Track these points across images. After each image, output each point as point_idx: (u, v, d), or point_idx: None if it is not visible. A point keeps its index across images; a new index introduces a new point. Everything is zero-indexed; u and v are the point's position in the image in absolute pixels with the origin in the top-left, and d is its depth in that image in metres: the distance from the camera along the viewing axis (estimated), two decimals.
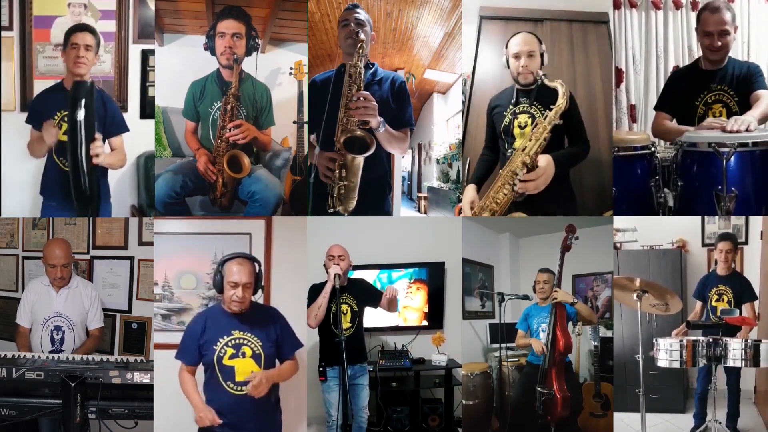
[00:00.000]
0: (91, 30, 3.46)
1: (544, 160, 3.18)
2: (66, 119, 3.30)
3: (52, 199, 3.57)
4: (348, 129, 3.19)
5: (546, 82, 3.25)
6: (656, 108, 3.81)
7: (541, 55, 3.29)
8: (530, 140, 3.19)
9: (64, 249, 3.68)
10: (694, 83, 3.62)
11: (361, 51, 3.21)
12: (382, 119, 3.24)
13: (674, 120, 3.69)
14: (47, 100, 3.49)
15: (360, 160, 3.19)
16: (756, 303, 3.92)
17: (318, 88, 3.43)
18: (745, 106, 3.51)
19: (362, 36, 3.22)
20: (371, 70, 3.35)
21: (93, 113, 3.25)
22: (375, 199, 3.41)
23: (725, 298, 3.87)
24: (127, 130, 3.62)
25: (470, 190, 3.42)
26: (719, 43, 3.50)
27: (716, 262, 3.99)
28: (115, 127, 3.56)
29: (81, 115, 3.19)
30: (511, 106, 3.36)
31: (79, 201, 3.29)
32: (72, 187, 3.27)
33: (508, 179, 3.21)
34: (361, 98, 3.19)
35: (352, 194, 3.25)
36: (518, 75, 3.31)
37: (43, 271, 3.73)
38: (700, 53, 3.71)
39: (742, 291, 3.87)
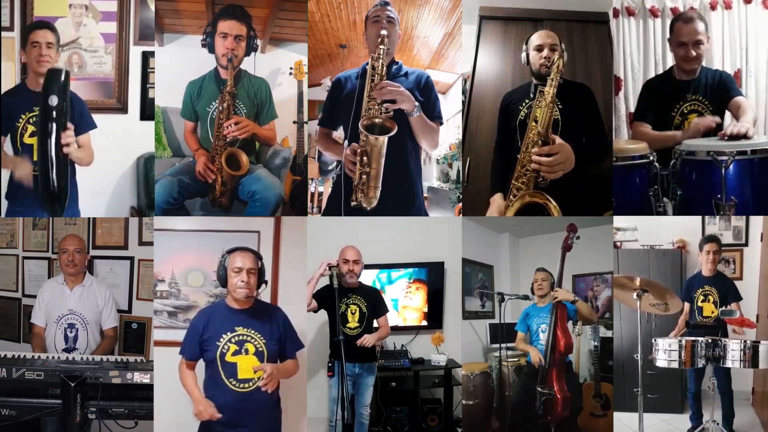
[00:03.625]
0: (50, 27, 3.38)
1: (560, 140, 3.13)
2: (32, 121, 3.25)
3: (18, 204, 3.46)
4: (370, 116, 3.16)
5: (567, 78, 3.25)
6: (636, 119, 3.83)
7: (562, 52, 3.28)
8: (539, 110, 3.16)
9: (78, 239, 3.72)
10: (669, 93, 3.66)
11: (383, 44, 3.17)
12: (417, 104, 3.20)
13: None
14: (11, 103, 3.40)
15: (382, 142, 3.13)
16: (745, 303, 3.92)
17: (342, 86, 3.38)
18: (719, 114, 3.56)
19: (384, 32, 3.18)
20: (396, 66, 3.33)
21: (67, 100, 3.13)
22: (403, 199, 3.34)
23: (711, 298, 3.88)
24: (95, 127, 3.51)
25: (498, 199, 3.37)
26: (694, 53, 3.55)
27: (701, 264, 4.00)
28: (83, 124, 3.43)
29: (54, 100, 3.07)
30: (527, 100, 3.35)
31: (45, 196, 3.16)
32: (39, 182, 3.15)
33: (526, 159, 3.17)
34: (386, 87, 3.14)
35: (375, 182, 3.18)
36: (540, 66, 3.29)
37: (45, 271, 3.74)
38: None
39: (727, 291, 3.88)
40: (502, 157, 3.48)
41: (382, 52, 3.18)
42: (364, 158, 3.15)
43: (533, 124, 3.18)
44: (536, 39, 3.33)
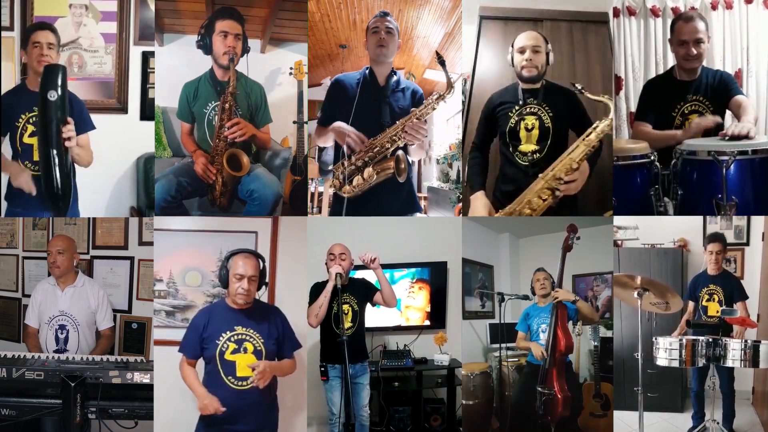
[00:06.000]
0: (51, 28, 3.37)
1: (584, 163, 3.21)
2: (31, 121, 3.26)
3: (17, 205, 3.44)
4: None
5: (553, 81, 3.31)
6: (637, 118, 3.85)
7: (547, 54, 3.32)
8: (579, 146, 3.18)
9: (64, 239, 3.71)
10: (670, 94, 3.67)
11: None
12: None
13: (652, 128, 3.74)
14: (10, 102, 3.39)
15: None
16: (747, 302, 3.92)
17: (342, 88, 3.48)
18: (720, 114, 3.56)
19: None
20: (395, 78, 3.42)
21: (65, 95, 3.13)
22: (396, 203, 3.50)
23: (716, 297, 3.88)
24: (93, 128, 3.50)
25: (481, 197, 3.39)
26: (695, 51, 3.56)
27: (706, 263, 4.00)
28: (82, 124, 3.41)
29: (53, 95, 3.08)
30: (517, 107, 3.35)
31: (49, 195, 3.16)
32: (42, 182, 3.15)
33: (550, 184, 3.17)
34: (421, 131, 3.36)
35: (364, 181, 3.37)
36: (522, 69, 3.31)
37: (45, 271, 3.73)
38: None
39: (733, 290, 3.88)
40: (482, 156, 3.52)
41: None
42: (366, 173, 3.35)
43: (567, 156, 3.17)
44: (519, 41, 3.34)
